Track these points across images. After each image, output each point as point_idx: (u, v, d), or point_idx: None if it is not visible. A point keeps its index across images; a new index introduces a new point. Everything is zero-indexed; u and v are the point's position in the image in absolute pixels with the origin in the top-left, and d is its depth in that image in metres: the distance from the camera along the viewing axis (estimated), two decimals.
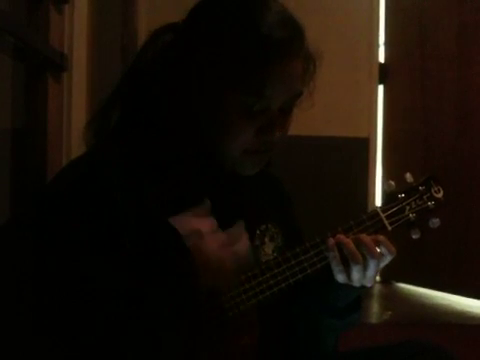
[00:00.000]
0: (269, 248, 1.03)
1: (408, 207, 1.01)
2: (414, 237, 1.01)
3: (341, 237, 0.95)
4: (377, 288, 3.36)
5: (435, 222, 1.02)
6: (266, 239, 1.03)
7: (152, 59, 0.99)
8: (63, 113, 2.04)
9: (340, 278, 0.96)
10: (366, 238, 0.94)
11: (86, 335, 0.80)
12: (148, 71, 0.98)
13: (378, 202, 3.42)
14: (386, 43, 3.56)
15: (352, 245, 0.94)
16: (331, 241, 0.95)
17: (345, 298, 1.01)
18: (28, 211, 0.90)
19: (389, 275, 3.42)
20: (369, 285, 0.98)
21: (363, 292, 1.01)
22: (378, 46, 3.51)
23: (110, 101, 0.99)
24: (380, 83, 3.53)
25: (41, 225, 0.85)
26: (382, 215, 0.99)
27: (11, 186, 1.83)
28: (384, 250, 0.95)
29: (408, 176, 1.03)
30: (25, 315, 0.80)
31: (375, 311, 2.93)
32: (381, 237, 0.96)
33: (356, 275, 0.95)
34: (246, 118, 0.92)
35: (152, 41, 0.99)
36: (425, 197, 1.02)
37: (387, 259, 0.96)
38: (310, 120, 3.18)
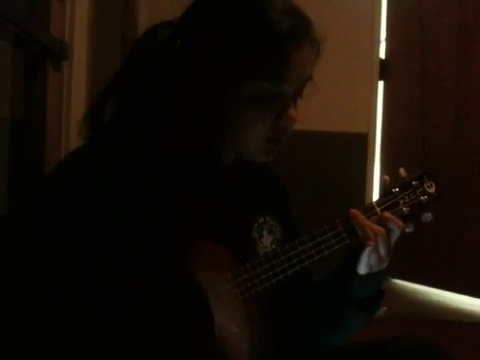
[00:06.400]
0: (267, 241, 1.03)
1: (402, 201, 1.03)
2: (407, 230, 1.03)
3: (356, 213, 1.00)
4: None
5: (428, 216, 1.04)
6: (265, 232, 1.04)
7: (151, 55, 0.98)
8: (62, 103, 2.03)
9: (364, 263, 1.00)
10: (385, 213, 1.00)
11: (85, 334, 0.80)
12: (146, 67, 0.97)
13: (375, 197, 3.42)
14: (387, 39, 3.55)
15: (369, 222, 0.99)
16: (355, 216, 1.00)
17: (365, 288, 1.03)
18: (27, 209, 0.89)
19: None
20: (385, 265, 1.01)
21: (383, 283, 1.06)
22: (379, 42, 3.50)
23: (106, 94, 0.99)
24: (380, 79, 3.53)
25: (40, 224, 0.85)
26: (378, 209, 1.01)
27: (9, 176, 1.82)
28: (392, 226, 0.99)
29: (402, 171, 1.05)
30: (24, 314, 0.80)
31: None
32: (386, 214, 1.00)
33: (373, 257, 0.99)
34: (264, 107, 0.93)
35: (150, 36, 0.99)
36: (418, 192, 1.04)
37: (396, 234, 1.00)
38: (309, 115, 3.18)
